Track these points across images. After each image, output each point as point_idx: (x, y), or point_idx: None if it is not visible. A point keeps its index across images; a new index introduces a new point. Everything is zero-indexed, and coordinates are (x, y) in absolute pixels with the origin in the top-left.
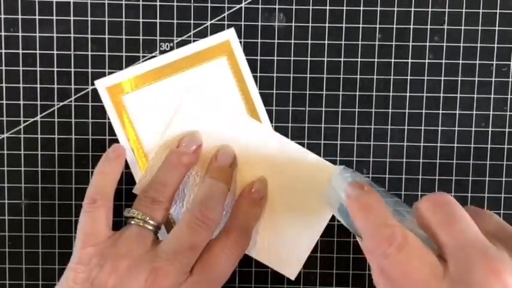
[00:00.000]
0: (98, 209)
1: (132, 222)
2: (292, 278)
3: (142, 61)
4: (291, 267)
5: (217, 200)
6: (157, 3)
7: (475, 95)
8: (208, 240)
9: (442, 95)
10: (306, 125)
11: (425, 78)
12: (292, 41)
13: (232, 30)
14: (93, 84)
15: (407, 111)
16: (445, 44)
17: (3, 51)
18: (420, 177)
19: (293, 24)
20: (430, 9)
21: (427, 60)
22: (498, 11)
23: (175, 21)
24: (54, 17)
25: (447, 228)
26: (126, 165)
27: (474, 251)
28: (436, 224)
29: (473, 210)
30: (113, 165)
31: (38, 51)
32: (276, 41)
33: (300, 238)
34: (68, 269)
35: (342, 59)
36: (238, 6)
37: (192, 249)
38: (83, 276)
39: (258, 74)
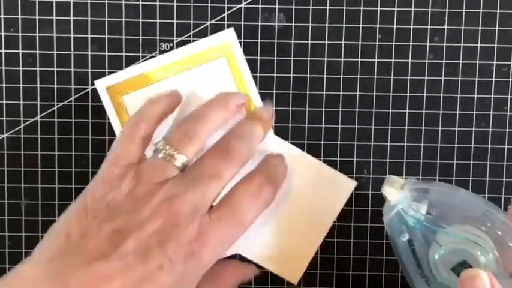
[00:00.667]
0: (138, 132)
1: (160, 155)
2: (295, 283)
3: (142, 61)
4: (293, 272)
5: (249, 138)
6: (157, 3)
7: (475, 95)
8: (234, 174)
9: (442, 95)
10: (306, 125)
11: (426, 78)
12: (292, 41)
13: (231, 30)
14: (93, 84)
15: (407, 111)
16: (445, 44)
17: (3, 51)
18: (420, 177)
19: (293, 24)
20: (430, 9)
21: (427, 60)
22: (498, 11)
23: (175, 21)
24: (54, 17)
25: None
26: None
27: None
28: None
29: None
30: (164, 97)
31: (38, 51)
32: (276, 41)
33: (302, 244)
34: (88, 188)
35: (342, 59)
36: (238, 6)
37: (214, 178)
38: (99, 196)
39: (258, 74)
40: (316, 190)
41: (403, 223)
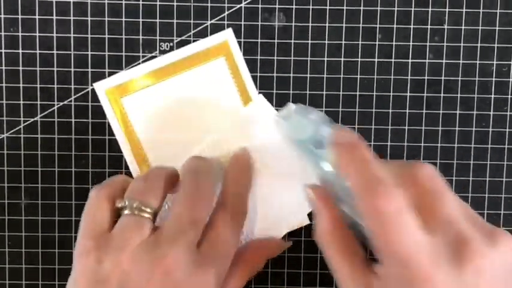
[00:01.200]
0: (103, 196)
1: (126, 212)
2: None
3: (142, 61)
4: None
5: (205, 170)
6: (157, 3)
7: (475, 95)
8: (209, 211)
9: (442, 95)
10: None
11: (426, 78)
12: (292, 41)
13: (230, 30)
14: (93, 84)
15: (407, 111)
16: (445, 44)
17: (3, 51)
18: None
19: (293, 24)
20: (430, 9)
21: (427, 60)
22: (498, 11)
23: (175, 21)
24: (54, 17)
25: (435, 202)
26: (126, 166)
27: (458, 229)
28: (422, 195)
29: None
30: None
31: (38, 51)
32: (276, 40)
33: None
34: (74, 265)
35: (342, 59)
36: (238, 6)
37: (193, 224)
38: (89, 274)
39: (258, 74)
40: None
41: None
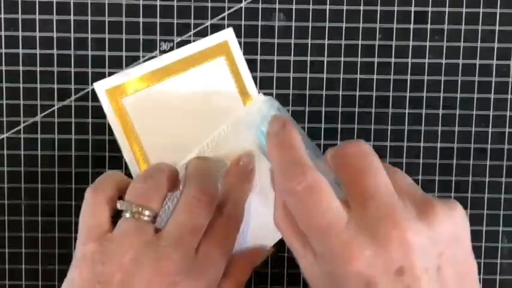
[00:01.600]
0: (101, 198)
1: (127, 215)
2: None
3: (142, 61)
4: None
5: (209, 175)
6: (157, 3)
7: (475, 95)
8: (210, 217)
9: (442, 95)
10: (306, 125)
11: (425, 78)
12: (292, 41)
13: (230, 30)
14: (93, 84)
15: (407, 111)
16: (445, 44)
17: (3, 51)
18: (420, 177)
19: (293, 24)
20: (430, 9)
21: (427, 60)
22: (498, 11)
23: (175, 21)
24: (54, 17)
25: (360, 178)
26: (126, 166)
27: (382, 203)
28: (349, 172)
29: (388, 167)
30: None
31: (38, 51)
32: (276, 40)
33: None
34: (73, 268)
35: (342, 59)
36: (238, 6)
37: (194, 232)
38: (88, 276)
39: (258, 74)
40: None
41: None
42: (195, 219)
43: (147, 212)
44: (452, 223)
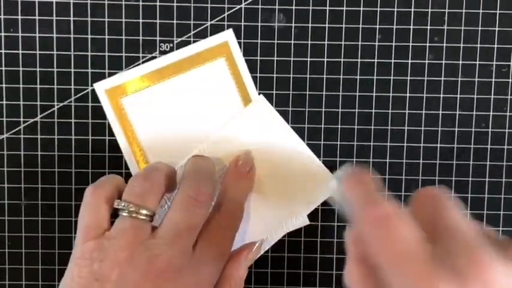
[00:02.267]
0: (99, 197)
1: (124, 214)
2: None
3: (142, 62)
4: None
5: (207, 174)
6: (157, 4)
7: (475, 95)
8: (206, 217)
9: (442, 95)
10: (306, 125)
11: (425, 78)
12: (292, 42)
13: (230, 31)
14: (92, 85)
15: (407, 111)
16: (445, 44)
17: (3, 51)
18: (420, 177)
19: (293, 24)
20: (430, 10)
21: (427, 61)
22: (498, 11)
23: (175, 21)
24: (54, 17)
25: (441, 214)
26: (126, 167)
27: (464, 240)
28: (431, 211)
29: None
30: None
31: (38, 52)
32: (275, 41)
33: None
34: (71, 267)
35: (342, 59)
36: (238, 6)
37: (190, 230)
38: (86, 273)
39: (258, 75)
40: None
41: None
42: (191, 218)
43: (144, 211)
44: None
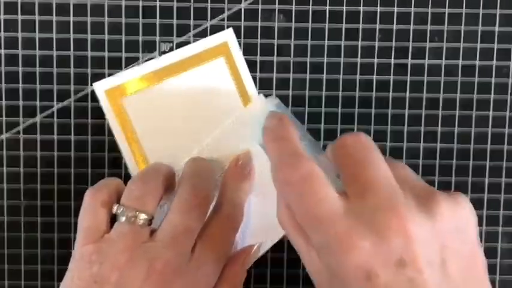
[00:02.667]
0: (98, 199)
1: (122, 219)
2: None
3: (142, 62)
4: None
5: (205, 176)
6: (157, 4)
7: (475, 95)
8: (204, 219)
9: (442, 95)
10: (306, 125)
11: (425, 78)
12: (292, 42)
13: (230, 30)
14: (92, 85)
15: (407, 111)
16: (445, 44)
17: (2, 51)
18: (420, 177)
19: (293, 24)
20: (430, 10)
21: (427, 61)
22: (498, 11)
23: (174, 21)
24: (54, 18)
25: (359, 168)
26: (125, 167)
27: (382, 194)
28: (348, 163)
29: (390, 159)
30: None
31: (37, 52)
32: (275, 41)
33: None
34: (71, 268)
35: (342, 59)
36: (238, 6)
37: (188, 232)
38: (86, 276)
39: (258, 75)
40: None
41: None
42: (188, 220)
43: (142, 216)
44: (456, 216)
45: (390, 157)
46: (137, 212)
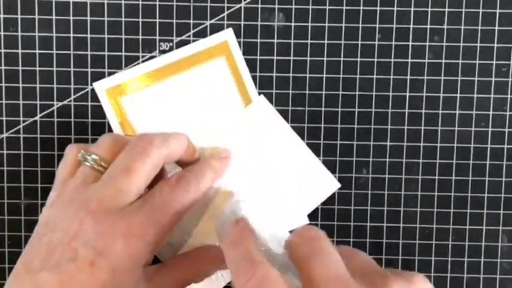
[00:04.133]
0: (71, 152)
1: (87, 164)
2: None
3: (142, 61)
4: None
5: (176, 137)
6: (157, 3)
7: (475, 95)
8: (148, 168)
9: (442, 95)
10: (306, 125)
11: (425, 78)
12: (292, 41)
13: (230, 30)
14: (92, 84)
15: (407, 111)
16: (445, 44)
17: (3, 51)
18: (420, 177)
19: (292, 24)
20: (430, 9)
21: (427, 60)
22: (498, 11)
23: (174, 21)
24: (54, 17)
25: (313, 263)
26: None
27: (335, 286)
28: (303, 258)
29: (340, 247)
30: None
31: (37, 51)
32: (275, 40)
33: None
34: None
35: (342, 59)
36: (238, 6)
37: (126, 172)
38: (42, 217)
39: (258, 74)
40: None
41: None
42: (129, 161)
43: (93, 157)
44: None
45: (342, 245)
46: (92, 155)
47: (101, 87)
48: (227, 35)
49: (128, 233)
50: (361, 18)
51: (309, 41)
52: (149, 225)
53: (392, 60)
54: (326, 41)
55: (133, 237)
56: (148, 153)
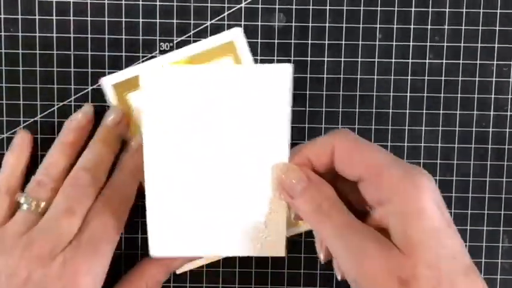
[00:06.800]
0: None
1: (23, 207)
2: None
3: (142, 61)
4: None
5: (96, 164)
6: (157, 3)
7: (475, 95)
8: (88, 205)
9: (442, 95)
10: (306, 125)
11: (426, 78)
12: (292, 41)
13: (239, 29)
14: (92, 84)
15: (407, 111)
16: (445, 44)
17: (3, 51)
18: None
19: (293, 24)
20: (430, 9)
21: (427, 60)
22: (498, 11)
23: (175, 21)
24: (54, 17)
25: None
26: None
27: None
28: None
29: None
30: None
31: (38, 51)
32: (276, 41)
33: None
34: None
35: (342, 59)
36: (238, 6)
37: (67, 213)
38: None
39: None
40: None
41: None
42: (72, 202)
43: (38, 203)
44: None
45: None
46: (37, 200)
47: (108, 82)
48: (236, 34)
49: (81, 271)
50: (361, 18)
51: (309, 41)
52: (102, 257)
53: (392, 60)
54: (326, 41)
55: (88, 274)
56: (85, 194)
